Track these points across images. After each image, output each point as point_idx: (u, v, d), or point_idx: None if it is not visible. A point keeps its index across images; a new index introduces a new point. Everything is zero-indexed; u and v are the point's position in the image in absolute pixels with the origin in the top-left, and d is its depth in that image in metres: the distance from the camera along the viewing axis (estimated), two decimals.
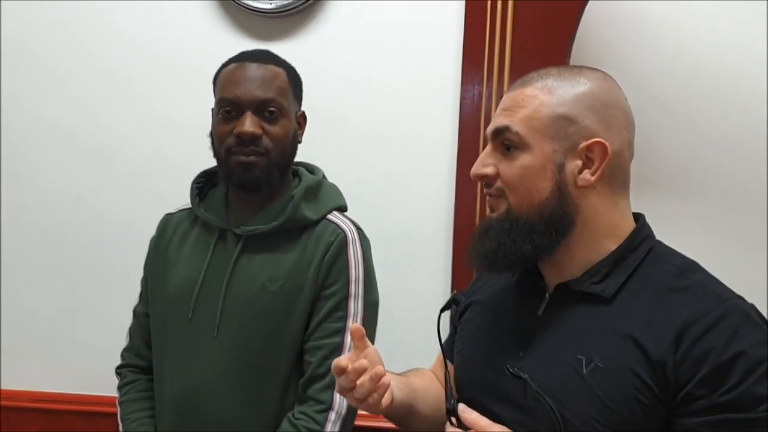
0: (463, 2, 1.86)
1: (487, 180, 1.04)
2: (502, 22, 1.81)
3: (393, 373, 1.13)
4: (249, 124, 1.33)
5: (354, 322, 1.36)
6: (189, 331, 1.38)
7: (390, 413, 1.09)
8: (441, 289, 1.90)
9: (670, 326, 0.93)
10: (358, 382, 0.97)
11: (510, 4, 1.81)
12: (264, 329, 1.35)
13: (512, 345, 1.05)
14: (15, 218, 2.06)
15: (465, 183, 1.85)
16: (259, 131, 1.33)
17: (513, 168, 1.01)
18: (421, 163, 1.90)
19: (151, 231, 1.55)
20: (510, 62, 1.81)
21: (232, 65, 1.39)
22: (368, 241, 1.46)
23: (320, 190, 1.45)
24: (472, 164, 1.79)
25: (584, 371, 0.96)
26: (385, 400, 1.02)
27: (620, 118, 1.02)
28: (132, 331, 1.53)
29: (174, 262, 1.44)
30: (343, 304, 1.37)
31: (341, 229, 1.40)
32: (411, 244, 1.90)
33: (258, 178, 1.35)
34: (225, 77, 1.38)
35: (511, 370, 1.01)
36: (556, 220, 1.00)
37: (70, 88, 2.03)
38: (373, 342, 1.32)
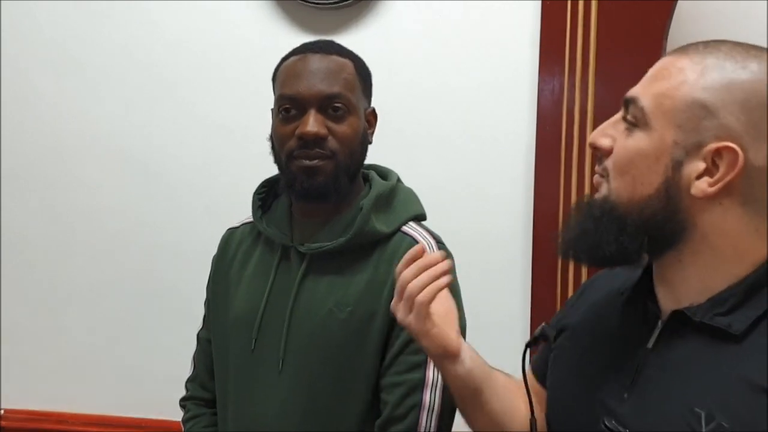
0: None
1: (600, 153, 0.89)
2: (585, 5, 1.64)
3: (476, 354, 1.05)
4: (312, 123, 1.18)
5: None
6: (252, 364, 1.25)
7: (454, 380, 1.01)
8: (519, 301, 1.77)
9: None
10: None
11: None
12: (333, 363, 1.21)
13: (615, 382, 0.89)
14: (59, 233, 2.00)
15: (545, 185, 1.72)
16: (324, 131, 1.18)
17: (625, 147, 0.86)
18: (497, 164, 1.77)
19: (201, 246, 1.45)
20: (595, 49, 1.64)
21: (293, 58, 1.24)
22: (451, 256, 1.28)
23: (394, 198, 1.29)
24: (552, 165, 1.73)
25: (703, 430, 0.78)
26: (451, 336, 0.98)
27: None
28: (196, 360, 1.41)
29: (236, 284, 1.31)
30: None
31: (418, 242, 1.22)
32: (486, 251, 1.78)
33: (324, 185, 1.20)
34: (284, 72, 1.24)
35: (607, 424, 0.86)
36: (656, 226, 0.84)
37: (113, 94, 1.95)
38: None
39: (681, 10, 1.63)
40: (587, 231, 0.87)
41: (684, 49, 0.86)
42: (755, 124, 0.80)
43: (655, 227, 0.83)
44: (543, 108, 1.70)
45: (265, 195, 1.34)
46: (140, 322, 1.96)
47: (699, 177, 0.82)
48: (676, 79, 0.83)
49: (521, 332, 1.75)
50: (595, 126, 1.64)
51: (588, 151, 1.66)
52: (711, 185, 0.81)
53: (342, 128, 1.20)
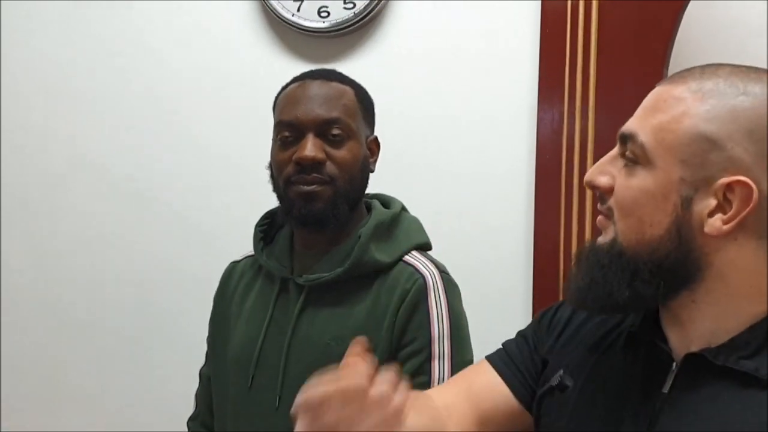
0: (539, 11, 1.69)
1: (600, 192, 0.84)
2: (585, 31, 1.63)
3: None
4: (310, 147, 1.15)
5: None
6: (249, 401, 1.21)
7: None
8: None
9: None
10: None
11: (594, 7, 1.63)
12: None
13: (631, 428, 0.82)
14: (47, 261, 1.97)
15: (545, 214, 1.68)
16: (321, 155, 1.15)
17: (629, 187, 0.80)
18: (496, 192, 1.74)
19: (195, 275, 1.41)
20: (595, 77, 1.62)
21: (292, 85, 1.23)
22: (456, 287, 1.24)
23: (396, 227, 1.25)
24: (552, 194, 1.71)
25: None
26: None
27: None
28: (198, 397, 1.37)
29: (236, 318, 1.27)
30: (425, 367, 1.15)
31: (419, 272, 1.19)
32: (486, 282, 1.73)
33: (322, 211, 1.16)
34: (283, 99, 1.22)
35: None
36: (670, 268, 0.78)
37: (107, 121, 1.93)
38: None
39: (681, 37, 1.61)
40: (596, 280, 0.81)
41: (681, 76, 0.81)
42: (764, 153, 0.75)
43: (668, 269, 0.78)
44: (543, 136, 1.67)
45: (268, 227, 1.30)
46: (133, 352, 1.92)
47: (711, 214, 0.76)
48: (676, 110, 0.78)
49: None
50: (595, 155, 1.64)
51: None
52: (726, 222, 0.75)
53: (341, 153, 1.17)
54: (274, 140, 1.21)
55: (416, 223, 1.30)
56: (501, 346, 1.05)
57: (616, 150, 0.84)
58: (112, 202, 1.93)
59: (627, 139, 0.81)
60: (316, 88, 1.19)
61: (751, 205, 0.74)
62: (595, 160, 1.61)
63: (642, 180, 0.79)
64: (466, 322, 1.23)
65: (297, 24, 1.77)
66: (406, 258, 1.22)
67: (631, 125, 0.82)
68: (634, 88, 1.59)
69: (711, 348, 0.79)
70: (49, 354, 1.96)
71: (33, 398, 1.96)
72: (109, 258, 1.93)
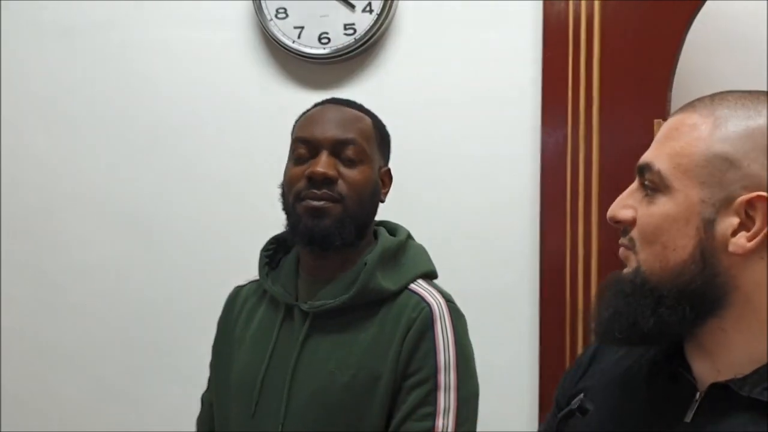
0: (540, 37, 1.68)
1: (622, 226, 0.84)
2: (588, 55, 1.63)
3: None
4: (323, 163, 1.16)
5: (446, 421, 1.12)
6: (252, 427, 1.19)
7: None
8: (527, 356, 1.70)
9: None
10: None
11: (596, 31, 1.62)
12: (336, 427, 1.15)
13: None
14: (47, 291, 1.95)
15: (551, 237, 1.67)
16: (333, 172, 1.16)
17: (650, 215, 0.80)
18: (502, 217, 1.72)
19: (194, 304, 1.40)
20: (599, 99, 1.61)
21: (313, 109, 1.25)
22: (462, 317, 1.23)
23: (402, 255, 1.24)
24: (558, 217, 1.69)
25: None
26: None
27: None
28: (199, 422, 1.35)
29: (240, 344, 1.26)
30: (430, 397, 1.13)
31: (426, 302, 1.18)
32: (491, 309, 1.71)
33: (329, 228, 1.15)
34: (303, 119, 1.25)
35: None
36: (695, 293, 0.77)
37: (105, 150, 1.93)
38: None
39: (685, 60, 1.60)
40: (619, 310, 0.80)
41: (691, 105, 0.82)
42: None
43: (694, 295, 0.77)
44: (547, 160, 1.66)
45: (273, 252, 1.29)
46: (131, 382, 1.90)
47: (735, 233, 0.76)
48: (690, 135, 0.79)
49: (530, 388, 1.68)
50: (600, 178, 1.63)
51: (595, 203, 1.62)
52: (750, 239, 0.75)
53: (353, 174, 1.18)
54: (290, 157, 1.23)
55: (422, 251, 1.29)
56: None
57: (635, 184, 0.84)
58: (109, 232, 1.92)
59: (644, 170, 0.82)
60: (336, 111, 1.22)
61: None
62: (600, 183, 1.62)
63: (662, 206, 0.79)
64: (473, 353, 1.21)
65: (298, 51, 1.76)
66: (412, 286, 1.20)
67: (646, 156, 0.82)
68: (638, 112, 1.59)
69: (737, 378, 0.77)
70: (46, 383, 1.94)
71: (23, 427, 1.94)
72: (107, 288, 1.92)
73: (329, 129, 1.19)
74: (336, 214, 1.16)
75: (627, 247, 0.83)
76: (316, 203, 1.15)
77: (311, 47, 1.75)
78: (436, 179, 1.75)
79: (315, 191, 1.16)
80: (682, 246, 0.77)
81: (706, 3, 1.59)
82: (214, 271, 1.81)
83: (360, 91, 1.77)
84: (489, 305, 1.71)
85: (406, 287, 1.20)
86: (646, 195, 0.81)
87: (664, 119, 1.56)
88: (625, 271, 0.83)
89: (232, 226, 1.83)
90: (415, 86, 1.76)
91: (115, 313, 1.91)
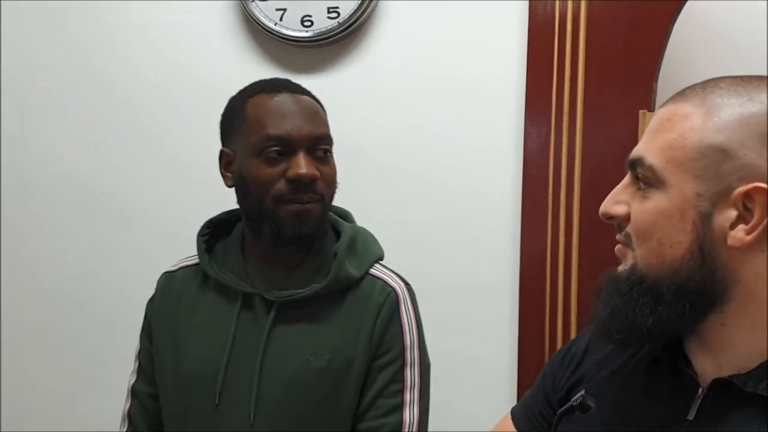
0: (526, 24, 1.66)
1: (616, 222, 0.82)
2: (573, 45, 1.61)
3: None
4: (307, 165, 1.14)
5: (412, 394, 1.19)
6: (216, 419, 1.18)
7: None
8: (505, 354, 1.69)
9: None
10: None
11: (582, 21, 1.60)
12: (311, 413, 1.17)
13: None
14: (16, 275, 1.92)
15: (532, 231, 1.66)
16: (317, 173, 1.15)
17: (643, 211, 0.78)
18: (481, 209, 1.71)
19: None
20: (583, 91, 1.59)
21: (271, 95, 1.18)
22: (415, 295, 1.28)
23: (357, 240, 1.26)
24: (539, 211, 1.68)
25: None
26: None
27: None
28: (132, 415, 1.29)
29: (185, 333, 1.23)
30: (399, 375, 1.19)
31: (390, 286, 1.22)
32: (470, 300, 1.71)
33: (314, 229, 1.17)
34: (266, 111, 1.17)
35: None
36: (695, 290, 0.75)
37: (82, 133, 1.89)
38: (427, 411, 1.22)
39: (671, 51, 1.59)
40: (617, 309, 0.79)
41: (682, 95, 0.80)
42: None
43: (693, 291, 0.75)
44: (530, 151, 1.64)
45: (209, 237, 1.27)
46: (107, 371, 1.85)
47: (733, 226, 0.74)
48: (682, 127, 0.76)
49: (508, 380, 1.67)
50: (583, 170, 1.61)
51: (576, 196, 1.61)
52: (748, 232, 0.73)
53: (328, 170, 1.18)
54: (253, 153, 1.15)
55: (371, 236, 1.31)
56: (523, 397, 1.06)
57: (627, 178, 0.82)
58: (86, 218, 1.89)
59: (636, 164, 0.79)
60: (300, 102, 1.18)
61: None
62: (583, 176, 1.61)
63: (657, 201, 0.77)
64: (422, 328, 1.28)
65: (280, 33, 1.73)
66: (372, 271, 1.24)
67: (637, 150, 0.80)
68: (622, 104, 1.58)
69: (740, 374, 0.76)
70: (21, 372, 1.91)
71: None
72: (83, 275, 1.88)
73: (303, 126, 1.15)
74: (318, 214, 1.16)
75: (624, 244, 0.81)
76: (302, 206, 1.14)
77: (294, 30, 1.72)
78: (418, 168, 1.73)
79: (299, 195, 1.14)
80: (679, 242, 0.75)
81: None
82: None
83: (343, 76, 1.74)
84: (469, 297, 1.70)
85: (367, 272, 1.23)
86: (639, 189, 0.79)
87: (650, 110, 1.55)
88: (620, 268, 0.81)
89: (210, 212, 1.80)
90: (399, 73, 1.73)
91: (90, 301, 1.88)
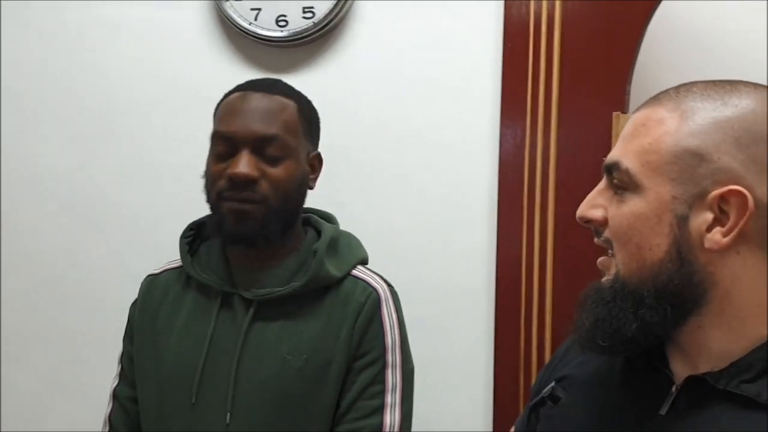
0: (502, 25, 1.66)
1: (594, 226, 0.82)
2: (548, 47, 1.62)
3: None
4: (244, 164, 1.13)
5: (393, 397, 1.18)
6: (193, 419, 1.18)
7: None
8: (481, 354, 1.68)
9: None
10: None
11: (557, 23, 1.61)
12: (288, 413, 1.16)
13: None
14: None
15: (508, 232, 1.66)
16: (255, 173, 1.13)
17: (621, 216, 0.79)
18: (458, 210, 1.70)
19: None
20: (558, 93, 1.61)
21: (234, 95, 1.21)
22: (398, 298, 1.28)
23: (339, 242, 1.27)
24: (515, 212, 1.69)
25: None
26: None
27: None
28: (113, 419, 1.29)
29: (166, 334, 1.24)
30: (380, 376, 1.19)
31: (372, 287, 1.23)
32: (447, 301, 1.70)
33: (252, 231, 1.15)
34: (223, 108, 1.20)
35: None
36: (674, 292, 0.76)
37: (54, 132, 1.85)
38: (410, 415, 1.20)
39: (644, 54, 1.60)
40: (601, 317, 0.80)
41: (656, 99, 0.81)
42: (754, 159, 0.74)
43: (673, 293, 0.76)
44: (505, 152, 1.65)
45: (193, 239, 1.28)
46: (79, 374, 1.83)
47: (710, 229, 0.75)
48: (657, 131, 0.77)
49: (484, 380, 1.67)
50: (558, 169, 1.62)
51: (551, 197, 1.62)
52: (725, 234, 0.74)
53: (276, 172, 1.15)
54: (211, 151, 1.20)
55: (355, 239, 1.32)
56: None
57: (603, 182, 0.83)
58: (58, 217, 1.85)
59: (612, 168, 0.80)
60: (257, 100, 1.17)
61: (748, 213, 0.73)
62: (558, 173, 1.61)
63: (634, 205, 0.78)
64: (406, 332, 1.28)
65: (254, 33, 1.71)
66: (354, 272, 1.24)
67: (613, 154, 0.81)
68: (596, 104, 1.59)
69: (713, 372, 0.77)
70: None
71: None
72: (55, 275, 1.85)
73: (250, 124, 1.14)
74: (259, 216, 1.14)
75: (605, 251, 0.82)
76: (238, 206, 1.14)
77: (268, 29, 1.70)
78: (393, 169, 1.72)
79: (237, 193, 1.13)
80: (657, 245, 0.76)
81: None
82: (168, 254, 1.75)
83: (318, 76, 1.73)
84: (446, 298, 1.70)
85: (348, 273, 1.24)
86: (616, 194, 0.80)
87: (623, 112, 1.56)
88: (605, 279, 0.82)
89: (184, 212, 1.77)
90: (375, 73, 1.73)
91: (62, 301, 1.85)
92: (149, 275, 1.32)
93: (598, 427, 0.85)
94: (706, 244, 0.75)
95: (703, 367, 0.78)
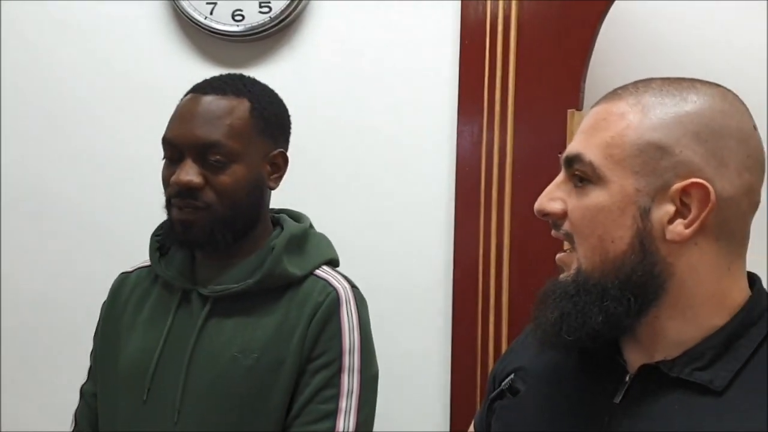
0: (458, 23, 1.67)
1: (553, 219, 0.83)
2: (504, 44, 1.63)
3: None
4: (186, 172, 1.12)
5: (349, 402, 1.15)
6: (143, 416, 1.16)
7: None
8: (439, 351, 1.68)
9: None
10: None
11: (513, 20, 1.62)
12: (236, 413, 1.14)
13: None
14: None
15: (465, 228, 1.66)
16: (197, 181, 1.12)
17: (583, 209, 0.80)
18: (415, 207, 1.70)
19: (98, 297, 1.33)
20: (514, 89, 1.62)
21: (186, 97, 1.19)
22: (365, 302, 1.25)
23: (306, 241, 1.25)
24: (472, 209, 1.69)
25: None
26: None
27: (740, 153, 0.77)
28: (78, 416, 1.29)
29: (129, 330, 1.23)
30: (334, 380, 1.15)
31: (332, 286, 1.20)
32: (404, 299, 1.70)
33: (197, 238, 1.15)
34: (174, 112, 1.19)
35: None
36: (637, 283, 0.77)
37: (3, 131, 1.80)
38: (371, 422, 1.17)
39: (598, 52, 1.63)
40: (567, 311, 0.80)
41: (615, 94, 0.82)
42: (713, 153, 0.76)
43: (636, 285, 0.77)
44: (462, 149, 1.65)
45: (163, 237, 1.25)
46: (26, 375, 1.79)
47: (671, 221, 0.77)
48: (619, 125, 0.78)
49: (442, 377, 1.67)
50: (514, 167, 1.63)
51: (508, 193, 1.63)
52: (687, 226, 0.76)
53: (221, 179, 1.13)
54: (164, 154, 1.19)
55: (326, 239, 1.30)
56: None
57: (562, 175, 0.83)
58: (10, 215, 1.81)
59: (573, 161, 0.81)
60: (204, 104, 1.14)
61: (710, 205, 0.75)
62: (514, 170, 1.63)
63: (596, 198, 0.78)
64: (371, 336, 1.24)
65: (210, 27, 1.69)
66: (317, 272, 1.22)
67: (574, 147, 0.81)
68: (552, 102, 1.61)
69: (666, 360, 0.79)
70: None
71: None
72: (7, 274, 1.81)
73: (192, 130, 1.13)
74: (203, 224, 1.13)
75: (565, 243, 0.82)
76: (182, 214, 1.13)
77: (224, 24, 1.68)
78: (350, 166, 1.72)
79: (181, 200, 1.13)
80: (620, 237, 0.77)
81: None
82: (116, 260, 1.71)
83: (275, 72, 1.71)
84: (402, 295, 1.69)
85: (311, 273, 1.21)
86: (576, 186, 0.81)
87: (578, 109, 1.58)
88: (564, 275, 0.83)
89: (138, 206, 1.75)
90: (331, 70, 1.71)
91: (8, 302, 1.80)
92: (122, 273, 1.32)
93: (554, 418, 0.86)
94: (668, 236, 0.76)
95: (658, 356, 0.80)
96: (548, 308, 0.81)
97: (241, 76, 1.23)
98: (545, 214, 0.83)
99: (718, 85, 0.81)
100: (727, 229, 0.78)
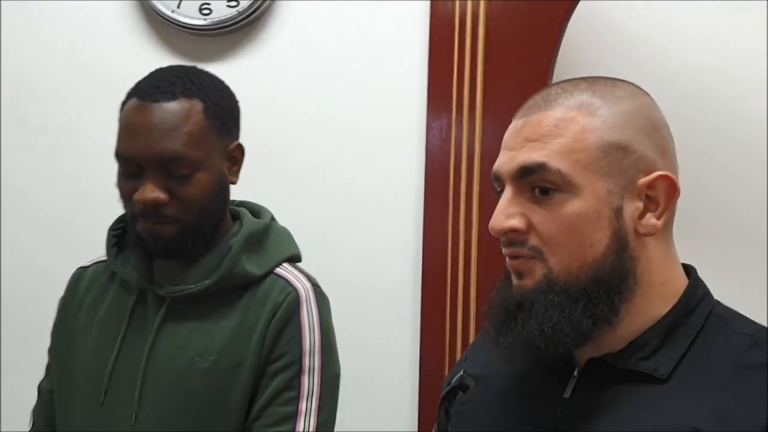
0: (428, 20, 1.67)
1: (516, 236, 0.80)
2: (473, 41, 1.63)
3: None
4: (150, 189, 1.08)
5: (309, 404, 1.13)
6: (100, 419, 1.14)
7: None
8: (407, 350, 1.68)
9: (751, 417, 0.71)
10: None
11: (481, 18, 1.63)
12: (194, 416, 1.12)
13: None
14: None
15: (434, 225, 1.66)
16: (162, 197, 1.08)
17: (557, 219, 0.78)
18: (384, 203, 1.70)
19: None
20: (483, 86, 1.62)
21: (132, 104, 1.12)
22: (327, 300, 1.22)
23: (267, 237, 1.22)
24: (440, 206, 1.69)
25: None
26: None
27: (670, 141, 0.82)
28: (35, 413, 1.27)
29: (85, 330, 1.20)
30: (294, 381, 1.13)
31: (292, 286, 1.17)
32: (372, 295, 1.69)
33: (168, 248, 1.12)
34: (123, 121, 1.13)
35: None
36: (617, 281, 0.78)
37: None
38: (332, 422, 1.16)
39: (565, 51, 1.64)
40: (558, 322, 0.78)
41: (546, 101, 0.81)
42: (658, 145, 0.79)
43: (617, 283, 0.78)
44: (432, 146, 1.65)
45: (122, 231, 1.22)
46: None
47: (642, 215, 0.78)
48: (572, 129, 0.78)
49: (410, 376, 1.67)
50: (483, 163, 1.64)
51: (476, 190, 1.63)
52: (658, 217, 0.78)
53: (186, 190, 1.10)
54: (118, 167, 1.13)
55: (287, 234, 1.27)
56: None
57: (511, 190, 0.81)
58: None
59: (530, 172, 0.78)
60: (158, 113, 1.08)
61: (676, 193, 0.78)
62: (482, 167, 1.63)
63: (571, 206, 0.77)
64: (335, 335, 1.22)
65: (176, 21, 1.67)
66: (278, 270, 1.19)
67: (528, 158, 0.79)
68: (520, 100, 1.59)
69: (613, 353, 0.80)
70: None
71: None
72: None
73: (151, 145, 1.07)
74: (173, 235, 1.11)
75: (528, 257, 0.80)
76: (150, 228, 1.10)
77: (191, 17, 1.66)
78: (318, 162, 1.71)
79: (146, 217, 1.09)
80: (598, 240, 0.77)
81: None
82: (78, 258, 1.70)
83: (242, 66, 1.70)
84: (370, 292, 1.69)
85: (271, 271, 1.18)
86: (537, 198, 0.79)
87: None
88: (527, 283, 0.80)
89: (102, 207, 1.71)
90: (300, 64, 1.70)
91: None
92: (79, 267, 1.28)
93: (506, 416, 0.86)
94: (642, 230, 0.78)
95: (605, 349, 0.81)
96: (533, 319, 0.79)
97: (185, 71, 1.16)
98: (506, 233, 0.80)
99: (626, 81, 0.84)
100: (671, 217, 0.81)
